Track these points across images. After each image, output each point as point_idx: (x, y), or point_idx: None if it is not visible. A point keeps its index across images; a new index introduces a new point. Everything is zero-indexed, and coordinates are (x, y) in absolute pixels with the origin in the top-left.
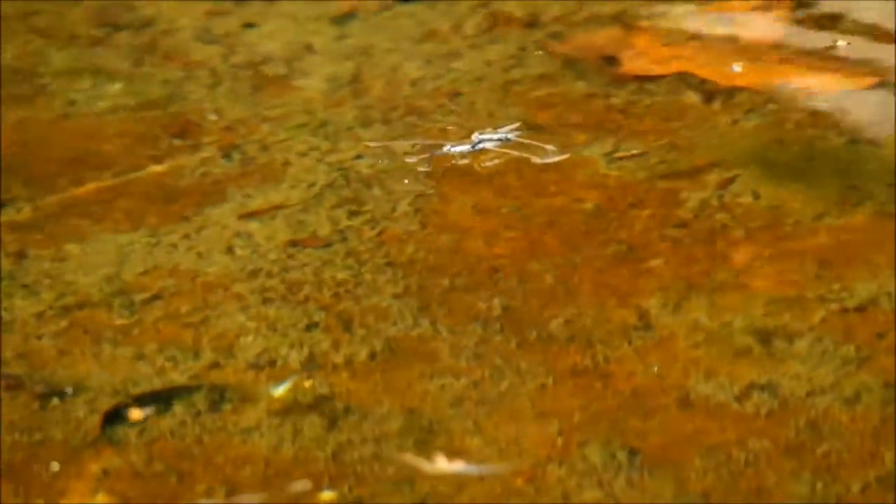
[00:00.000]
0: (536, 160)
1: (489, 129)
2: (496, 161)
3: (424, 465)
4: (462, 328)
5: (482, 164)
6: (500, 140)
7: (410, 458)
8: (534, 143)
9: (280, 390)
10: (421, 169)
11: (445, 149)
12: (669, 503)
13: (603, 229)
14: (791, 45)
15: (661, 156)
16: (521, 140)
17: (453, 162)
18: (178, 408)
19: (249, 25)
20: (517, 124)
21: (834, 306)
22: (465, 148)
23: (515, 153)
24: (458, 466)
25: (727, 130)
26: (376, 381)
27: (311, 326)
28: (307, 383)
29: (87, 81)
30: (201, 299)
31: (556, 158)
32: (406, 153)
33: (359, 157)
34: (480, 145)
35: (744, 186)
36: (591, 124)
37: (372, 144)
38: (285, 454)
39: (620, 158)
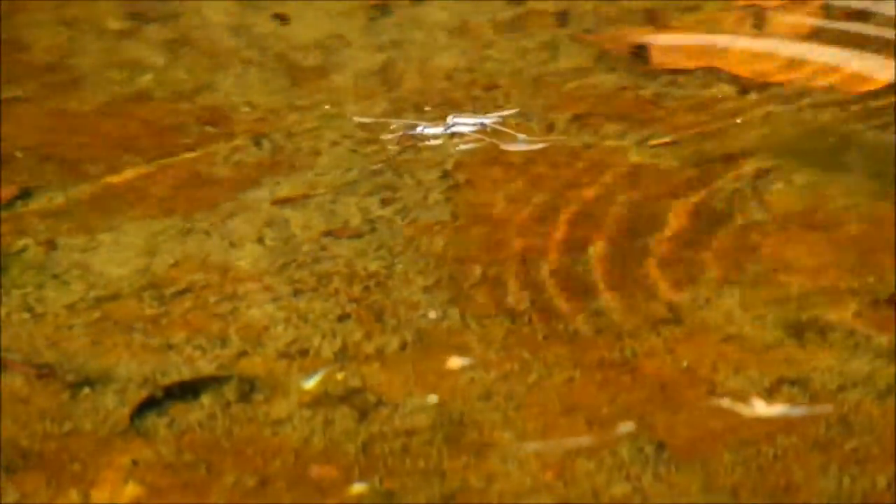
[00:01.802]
0: (504, 147)
1: (467, 113)
2: (470, 146)
3: (743, 410)
4: (491, 320)
5: (454, 149)
6: (474, 125)
7: (727, 403)
8: (507, 130)
9: (311, 382)
10: (391, 147)
11: (419, 129)
12: (697, 499)
13: (634, 220)
14: (823, 37)
15: (693, 146)
16: (495, 127)
17: (425, 143)
18: (206, 399)
19: (282, 17)
20: (510, 111)
21: (868, 298)
22: (439, 130)
23: (487, 139)
24: (776, 409)
25: (759, 122)
26: (407, 374)
27: (342, 317)
28: (339, 375)
29: (117, 72)
30: (232, 289)
31: (524, 147)
32: (386, 131)
33: (390, 147)
34: (454, 128)
35: (777, 178)
36: (623, 115)
37: (358, 120)
38: (316, 446)
39: (653, 147)
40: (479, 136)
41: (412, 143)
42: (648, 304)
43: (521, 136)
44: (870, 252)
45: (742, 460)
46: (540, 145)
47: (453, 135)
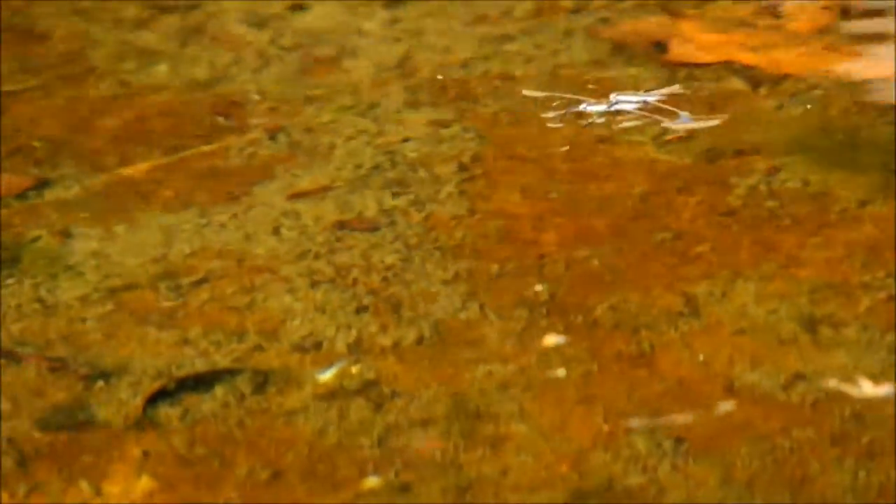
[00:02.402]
0: (668, 124)
1: (629, 91)
2: (633, 123)
3: (852, 391)
4: (509, 313)
5: (616, 126)
6: (637, 102)
7: (836, 384)
8: (669, 108)
9: (327, 375)
10: (555, 125)
11: (582, 107)
12: (714, 492)
13: (651, 215)
14: (838, 32)
15: (709, 141)
16: (657, 104)
17: (590, 121)
18: (220, 390)
19: (298, 8)
20: (673, 89)
21: (881, 294)
22: (602, 108)
23: (648, 116)
24: (885, 389)
25: (774, 117)
26: (423, 366)
27: (360, 310)
28: (354, 368)
29: (133, 63)
30: (248, 281)
31: (690, 125)
32: (544, 108)
33: (406, 139)
34: (617, 106)
35: (791, 173)
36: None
37: (525, 93)
38: (330, 439)
39: (669, 142)
40: (641, 113)
41: (576, 118)
42: (665, 298)
43: (684, 113)
44: (882, 248)
45: (759, 453)
46: (703, 123)
47: (617, 112)
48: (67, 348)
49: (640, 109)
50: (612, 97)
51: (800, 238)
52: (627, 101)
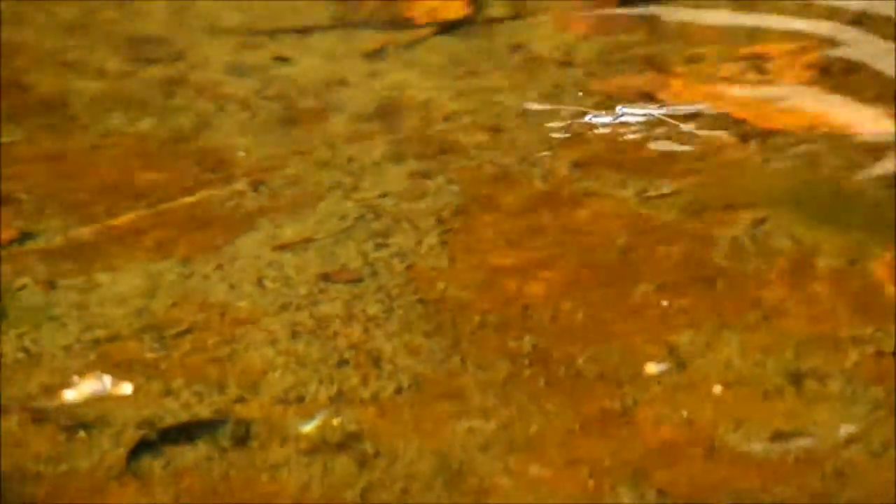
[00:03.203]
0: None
1: (636, 105)
2: (638, 135)
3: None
4: (490, 366)
5: (622, 137)
6: (643, 115)
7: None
8: (673, 122)
9: (309, 427)
10: (560, 135)
11: (588, 118)
12: None
13: (634, 267)
14: (824, 88)
15: (694, 195)
16: (662, 118)
17: (594, 131)
18: (203, 443)
19: (281, 59)
20: (680, 106)
21: (868, 349)
22: (608, 119)
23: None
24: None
25: (761, 171)
26: (405, 420)
27: (341, 363)
28: (336, 421)
29: (118, 114)
30: (231, 332)
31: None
32: (547, 120)
33: (388, 192)
34: (623, 118)
35: (776, 228)
36: (626, 162)
37: (526, 106)
38: (314, 493)
39: (653, 197)
40: (646, 125)
41: (581, 130)
42: (648, 350)
43: (688, 127)
44: (869, 303)
45: None
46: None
47: (622, 123)
48: (50, 399)
49: (644, 122)
50: (619, 110)
51: (785, 292)
52: (632, 114)
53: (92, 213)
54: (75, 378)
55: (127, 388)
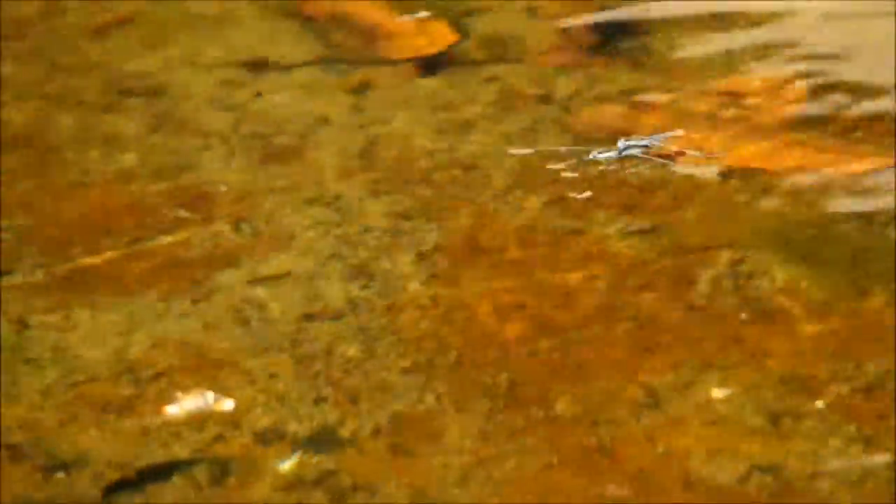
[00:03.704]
0: (674, 168)
1: (635, 136)
2: (645, 167)
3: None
4: (468, 405)
5: (626, 171)
6: (645, 146)
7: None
8: (653, 158)
9: (287, 465)
10: (568, 174)
11: (592, 155)
12: None
13: (614, 306)
14: (806, 124)
15: (674, 233)
16: (664, 146)
17: (601, 168)
18: (181, 480)
19: (261, 97)
20: (675, 132)
21: (845, 388)
22: (612, 154)
23: (660, 160)
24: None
25: (740, 210)
26: (383, 457)
27: (318, 400)
28: (314, 459)
29: (98, 149)
30: (209, 371)
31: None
32: (552, 158)
33: (368, 229)
34: (627, 152)
35: (757, 267)
36: (605, 200)
37: (515, 152)
38: None
39: (633, 234)
40: (650, 156)
41: (586, 168)
42: (627, 390)
43: (666, 164)
44: (849, 343)
45: None
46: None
47: (626, 157)
48: (26, 439)
49: (646, 153)
50: (621, 143)
51: (765, 331)
52: (635, 146)
53: (70, 251)
54: (178, 394)
55: (229, 404)
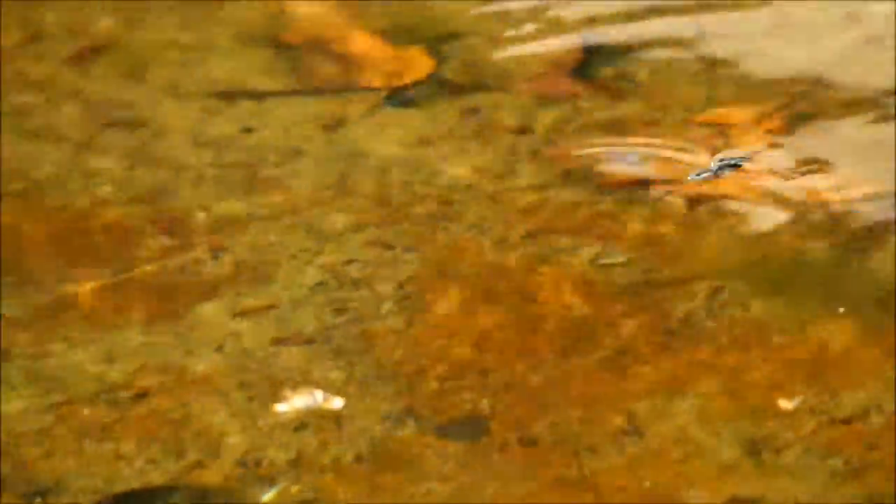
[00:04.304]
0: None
1: (723, 154)
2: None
3: None
4: (447, 431)
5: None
6: (737, 164)
7: None
8: (766, 165)
9: (268, 496)
10: (667, 199)
11: (690, 177)
12: None
13: (591, 334)
14: (781, 155)
15: (648, 264)
16: (753, 163)
17: (699, 190)
18: None
19: (241, 128)
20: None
21: (823, 418)
22: (708, 174)
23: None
24: None
25: (714, 240)
26: (364, 485)
27: (299, 427)
28: (294, 487)
29: (78, 181)
30: (188, 398)
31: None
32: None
33: (348, 259)
34: (721, 171)
35: (732, 296)
36: (579, 230)
37: (595, 186)
38: None
39: (608, 265)
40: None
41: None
42: (606, 417)
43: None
44: (824, 371)
45: None
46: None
47: (719, 172)
48: (4, 464)
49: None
50: (713, 164)
51: (741, 359)
52: (727, 164)
53: (50, 281)
54: (287, 392)
55: (338, 403)
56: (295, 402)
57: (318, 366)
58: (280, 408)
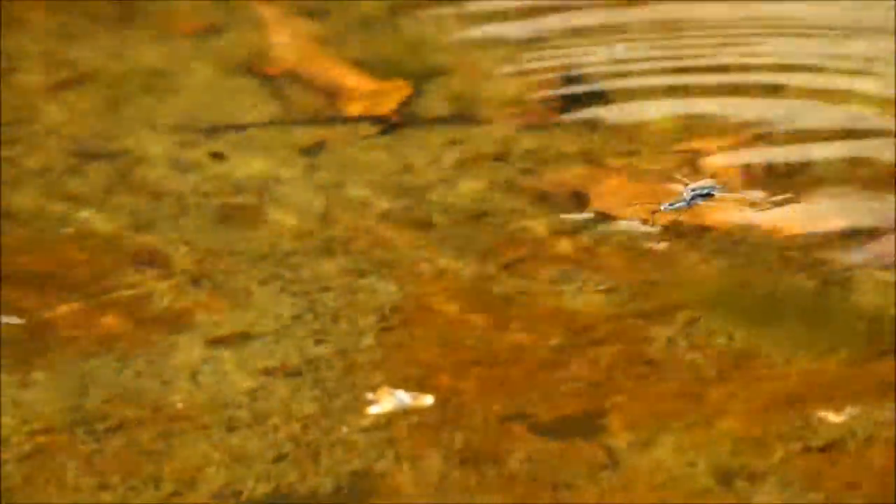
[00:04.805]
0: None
1: (692, 184)
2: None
3: None
4: (424, 463)
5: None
6: (709, 193)
7: None
8: (738, 195)
9: None
10: (647, 228)
11: (663, 207)
12: None
13: (568, 365)
14: (760, 185)
15: (629, 294)
16: (726, 193)
17: (674, 218)
18: None
19: (219, 156)
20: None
21: (798, 446)
22: (682, 204)
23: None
24: None
25: (695, 270)
26: None
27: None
28: None
29: (58, 207)
30: (165, 428)
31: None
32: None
33: (325, 288)
34: (694, 201)
35: (712, 327)
36: (559, 260)
37: (575, 217)
38: None
39: (587, 294)
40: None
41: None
42: (583, 450)
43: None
44: (805, 401)
45: None
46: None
47: (694, 205)
48: None
49: (712, 199)
50: (686, 193)
51: (720, 390)
52: (700, 194)
53: (27, 307)
54: (370, 395)
55: (428, 400)
56: (385, 405)
57: (297, 397)
58: (373, 410)
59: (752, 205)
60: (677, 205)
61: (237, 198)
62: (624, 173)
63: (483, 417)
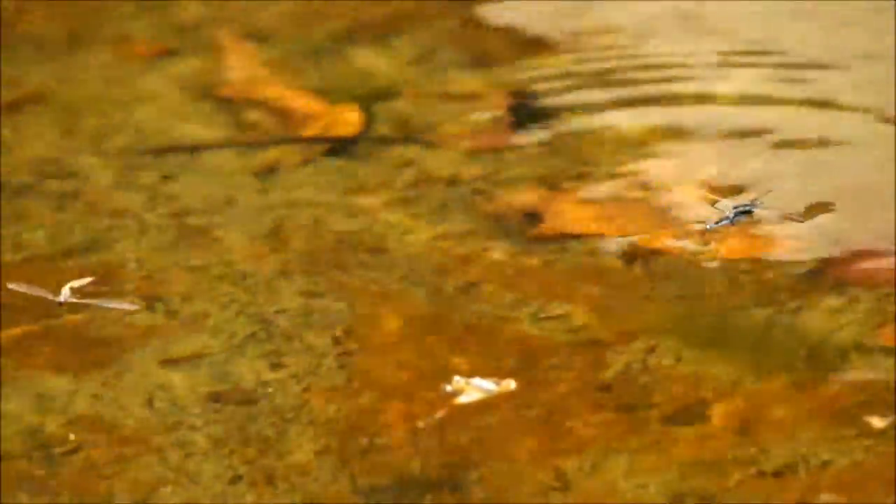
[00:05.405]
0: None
1: (731, 202)
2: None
3: None
4: (379, 487)
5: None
6: (750, 210)
7: None
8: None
9: None
10: (699, 247)
11: (708, 226)
12: None
13: (524, 390)
14: (711, 212)
15: (582, 319)
16: (765, 209)
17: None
18: None
19: (171, 177)
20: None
21: (751, 470)
22: (726, 222)
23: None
24: None
25: (646, 295)
26: None
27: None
28: None
29: (7, 229)
30: (120, 451)
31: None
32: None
33: (280, 310)
34: (737, 218)
35: (664, 352)
36: (513, 283)
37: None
38: None
39: (543, 319)
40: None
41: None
42: (536, 473)
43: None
44: (752, 425)
45: None
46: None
47: (735, 219)
48: None
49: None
50: (729, 212)
51: (672, 414)
52: (742, 210)
53: None
54: (457, 380)
55: (511, 384)
56: (471, 394)
57: (252, 421)
58: (463, 399)
59: (711, 230)
60: (722, 222)
61: (191, 218)
62: (578, 194)
63: (439, 441)
